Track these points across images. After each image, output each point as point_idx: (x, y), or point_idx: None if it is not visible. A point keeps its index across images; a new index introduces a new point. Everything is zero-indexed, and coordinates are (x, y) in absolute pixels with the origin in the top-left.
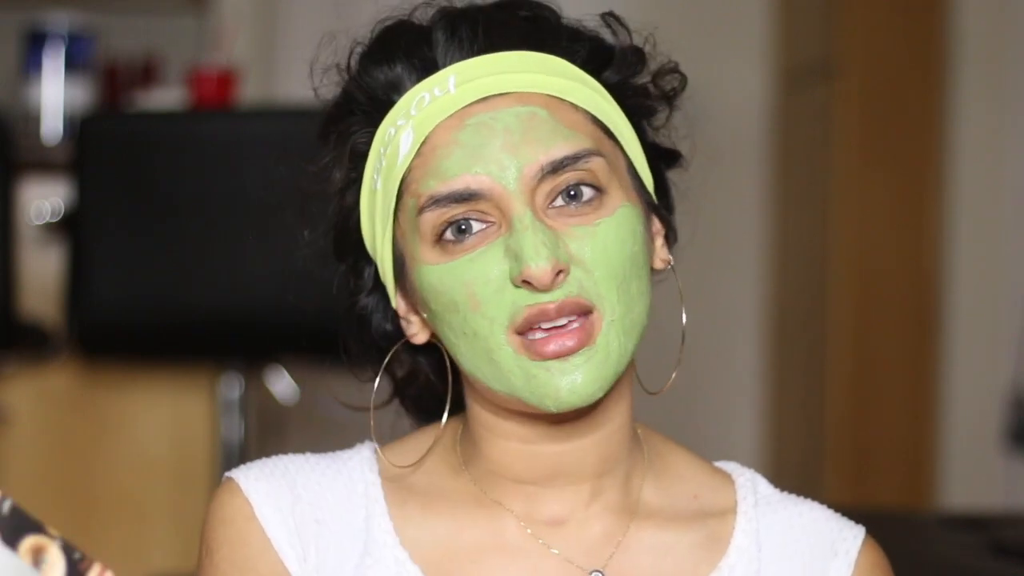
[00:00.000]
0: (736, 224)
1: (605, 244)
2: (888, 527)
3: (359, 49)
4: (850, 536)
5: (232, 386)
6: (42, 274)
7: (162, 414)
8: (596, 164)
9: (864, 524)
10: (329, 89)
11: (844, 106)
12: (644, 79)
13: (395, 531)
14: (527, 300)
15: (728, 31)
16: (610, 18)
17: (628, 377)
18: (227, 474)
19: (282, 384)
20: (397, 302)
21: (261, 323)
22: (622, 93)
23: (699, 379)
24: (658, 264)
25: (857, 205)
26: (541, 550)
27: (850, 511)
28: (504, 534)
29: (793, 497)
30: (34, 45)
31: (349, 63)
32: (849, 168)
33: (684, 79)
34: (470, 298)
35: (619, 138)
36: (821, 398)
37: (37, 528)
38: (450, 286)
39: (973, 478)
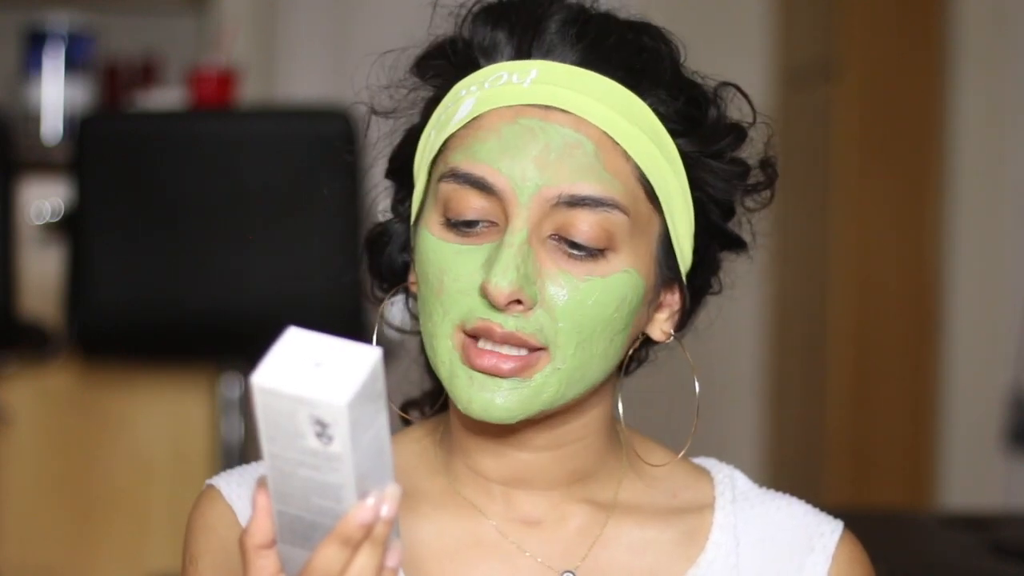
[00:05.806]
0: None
1: (583, 302)
2: (888, 527)
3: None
4: (828, 531)
5: (232, 386)
6: (42, 274)
7: (162, 414)
8: (615, 218)
9: (864, 524)
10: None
11: (844, 106)
12: (727, 161)
13: None
14: (482, 313)
15: (728, 31)
16: (728, 88)
17: (600, 397)
18: (208, 481)
19: None
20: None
21: (261, 323)
22: (692, 164)
23: (699, 379)
24: (656, 335)
25: (857, 205)
26: (519, 550)
27: (850, 511)
28: (482, 534)
29: (772, 492)
30: (34, 45)
31: (471, 8)
32: (849, 168)
33: (772, 177)
34: (439, 284)
35: (664, 205)
36: (821, 398)
37: None
38: (431, 262)
39: (973, 478)
